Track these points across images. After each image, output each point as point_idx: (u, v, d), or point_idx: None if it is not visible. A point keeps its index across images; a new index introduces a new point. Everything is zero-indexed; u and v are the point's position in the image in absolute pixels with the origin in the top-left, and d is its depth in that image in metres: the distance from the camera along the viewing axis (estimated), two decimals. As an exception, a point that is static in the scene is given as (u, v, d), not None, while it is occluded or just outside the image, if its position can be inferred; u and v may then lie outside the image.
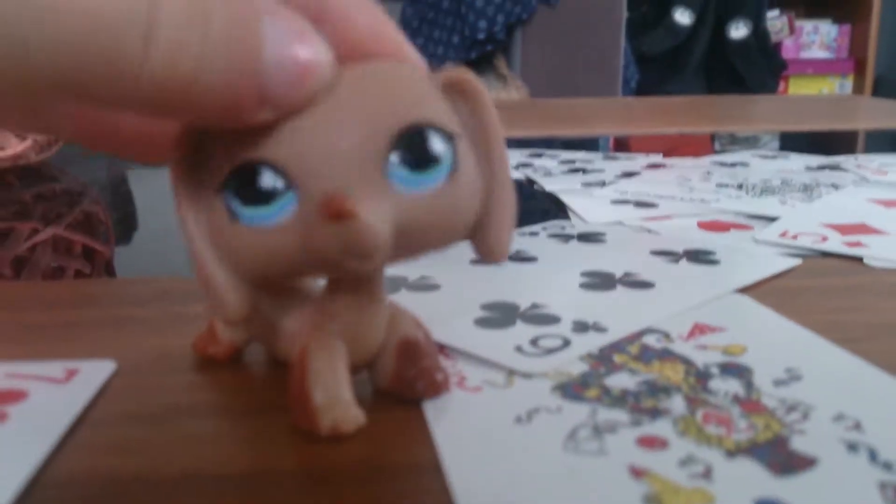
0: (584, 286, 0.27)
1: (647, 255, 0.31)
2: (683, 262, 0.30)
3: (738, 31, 1.96)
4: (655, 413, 0.18)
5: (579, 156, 0.57)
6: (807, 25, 2.35)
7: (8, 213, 0.40)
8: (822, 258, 0.31)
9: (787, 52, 2.25)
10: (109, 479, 0.17)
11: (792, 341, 0.23)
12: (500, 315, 0.24)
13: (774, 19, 2.09)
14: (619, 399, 0.19)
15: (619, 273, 0.28)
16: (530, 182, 0.48)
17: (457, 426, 0.18)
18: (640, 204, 0.40)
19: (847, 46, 2.37)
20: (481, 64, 1.48)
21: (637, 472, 0.16)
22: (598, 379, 0.20)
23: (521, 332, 0.23)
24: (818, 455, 0.16)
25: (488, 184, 0.17)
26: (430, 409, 0.19)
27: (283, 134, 0.15)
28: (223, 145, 0.15)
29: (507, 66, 1.50)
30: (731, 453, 0.17)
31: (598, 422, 0.18)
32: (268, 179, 0.15)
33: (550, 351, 0.22)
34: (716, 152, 0.61)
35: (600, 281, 0.28)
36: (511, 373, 0.21)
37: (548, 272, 0.29)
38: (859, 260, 0.31)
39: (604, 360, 0.21)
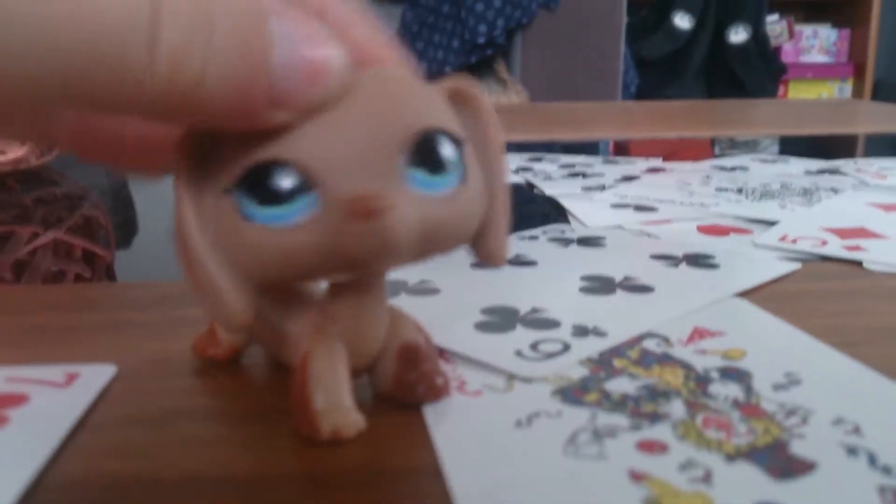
0: (583, 290, 0.27)
1: (647, 259, 0.31)
2: (683, 267, 0.30)
3: (738, 35, 1.96)
4: (655, 417, 0.18)
5: (579, 160, 0.57)
6: (806, 30, 2.36)
7: (8, 216, 0.40)
8: (821, 262, 0.31)
9: (787, 56, 2.25)
10: (110, 483, 0.17)
11: (791, 345, 0.23)
12: (501, 319, 0.24)
13: (774, 24, 2.09)
14: (619, 403, 0.19)
15: (618, 277, 0.28)
16: (530, 186, 0.48)
17: (457, 430, 0.18)
18: (639, 208, 0.40)
19: (846, 51, 2.38)
20: (481, 68, 1.48)
21: (637, 477, 0.16)
22: (598, 383, 0.20)
23: (521, 336, 0.23)
24: (818, 459, 0.16)
25: (489, 189, 0.17)
26: (431, 413, 0.19)
27: (301, 134, 0.15)
28: (233, 146, 0.15)
29: (507, 70, 1.50)
30: (731, 457, 0.17)
31: (597, 426, 0.18)
32: (287, 179, 0.15)
33: (550, 355, 0.22)
34: (715, 156, 0.61)
35: (600, 285, 0.28)
36: (511, 377, 0.21)
37: (548, 276, 0.29)
38: (859, 264, 0.31)
39: (604, 364, 0.21)
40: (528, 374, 0.21)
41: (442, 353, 0.22)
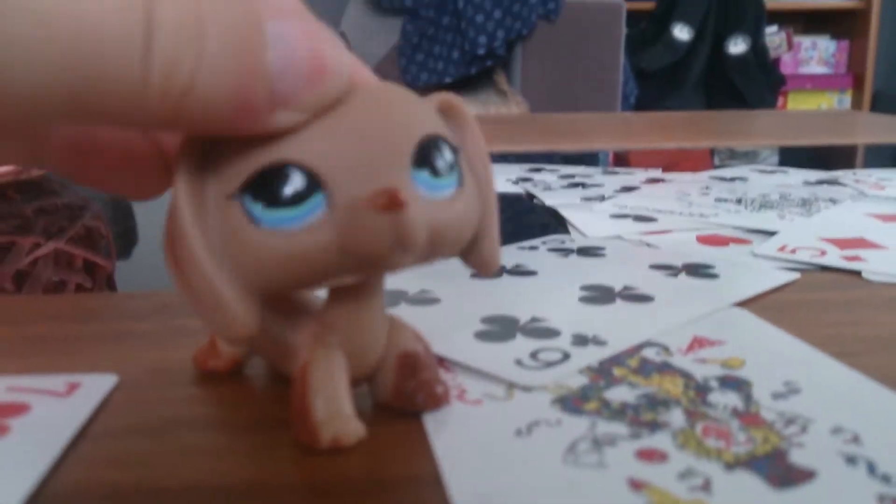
0: (583, 300, 0.27)
1: (647, 269, 0.31)
2: (682, 276, 0.30)
3: (737, 46, 1.97)
4: (655, 426, 0.18)
5: (579, 170, 0.57)
6: (805, 41, 2.36)
7: (9, 227, 0.40)
8: (820, 272, 0.31)
9: (786, 67, 2.26)
10: (110, 492, 0.17)
11: (791, 355, 0.23)
12: (500, 328, 0.24)
13: (773, 35, 2.10)
14: (619, 412, 0.19)
15: (618, 287, 0.28)
16: (530, 196, 0.48)
17: (457, 439, 0.18)
18: (639, 218, 0.40)
19: (845, 62, 2.38)
20: (481, 79, 1.49)
21: (636, 485, 0.16)
22: (598, 392, 0.20)
23: (521, 345, 0.23)
24: (817, 468, 0.16)
25: (480, 197, 0.18)
26: (431, 421, 0.19)
27: (307, 136, 0.15)
28: (236, 151, 0.15)
29: (507, 81, 1.50)
30: (730, 466, 0.17)
31: (597, 435, 0.18)
32: (297, 181, 0.15)
33: (550, 364, 0.22)
34: (715, 167, 0.61)
35: (600, 295, 0.28)
36: (511, 386, 0.21)
37: (547, 286, 0.29)
38: (857, 274, 0.31)
39: (603, 373, 0.21)
40: (527, 383, 0.21)
41: (442, 362, 0.22)
